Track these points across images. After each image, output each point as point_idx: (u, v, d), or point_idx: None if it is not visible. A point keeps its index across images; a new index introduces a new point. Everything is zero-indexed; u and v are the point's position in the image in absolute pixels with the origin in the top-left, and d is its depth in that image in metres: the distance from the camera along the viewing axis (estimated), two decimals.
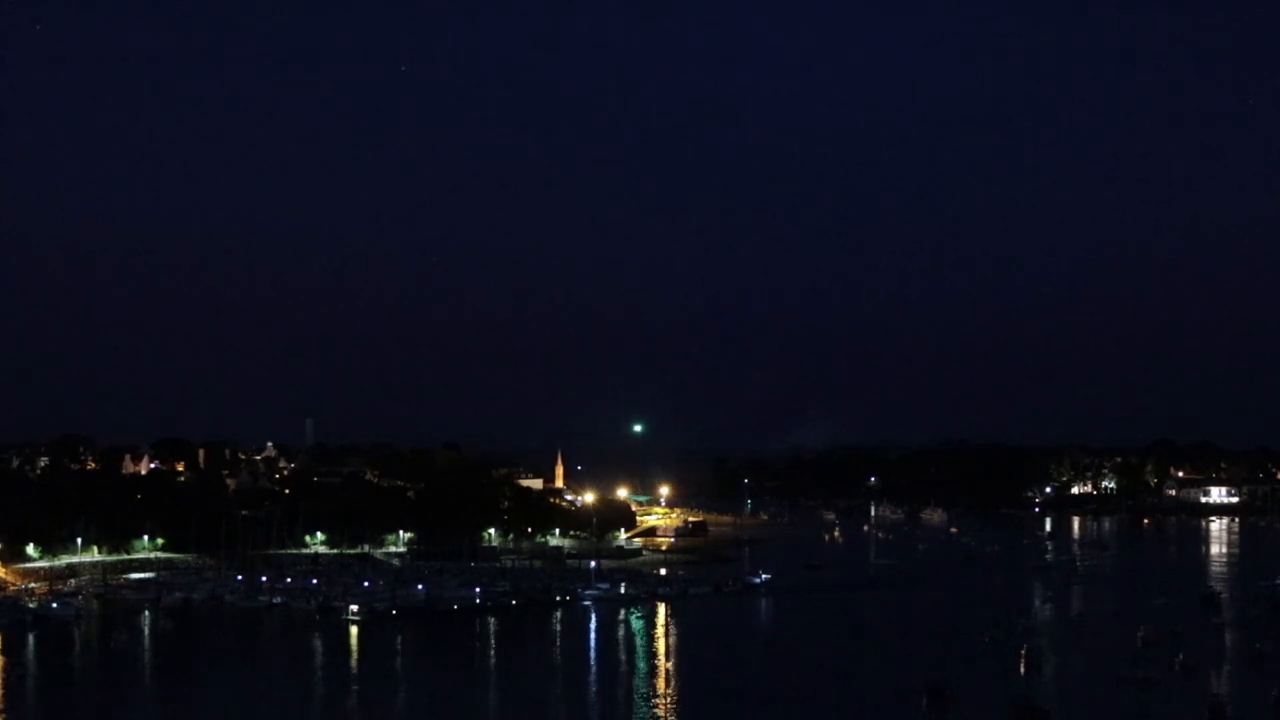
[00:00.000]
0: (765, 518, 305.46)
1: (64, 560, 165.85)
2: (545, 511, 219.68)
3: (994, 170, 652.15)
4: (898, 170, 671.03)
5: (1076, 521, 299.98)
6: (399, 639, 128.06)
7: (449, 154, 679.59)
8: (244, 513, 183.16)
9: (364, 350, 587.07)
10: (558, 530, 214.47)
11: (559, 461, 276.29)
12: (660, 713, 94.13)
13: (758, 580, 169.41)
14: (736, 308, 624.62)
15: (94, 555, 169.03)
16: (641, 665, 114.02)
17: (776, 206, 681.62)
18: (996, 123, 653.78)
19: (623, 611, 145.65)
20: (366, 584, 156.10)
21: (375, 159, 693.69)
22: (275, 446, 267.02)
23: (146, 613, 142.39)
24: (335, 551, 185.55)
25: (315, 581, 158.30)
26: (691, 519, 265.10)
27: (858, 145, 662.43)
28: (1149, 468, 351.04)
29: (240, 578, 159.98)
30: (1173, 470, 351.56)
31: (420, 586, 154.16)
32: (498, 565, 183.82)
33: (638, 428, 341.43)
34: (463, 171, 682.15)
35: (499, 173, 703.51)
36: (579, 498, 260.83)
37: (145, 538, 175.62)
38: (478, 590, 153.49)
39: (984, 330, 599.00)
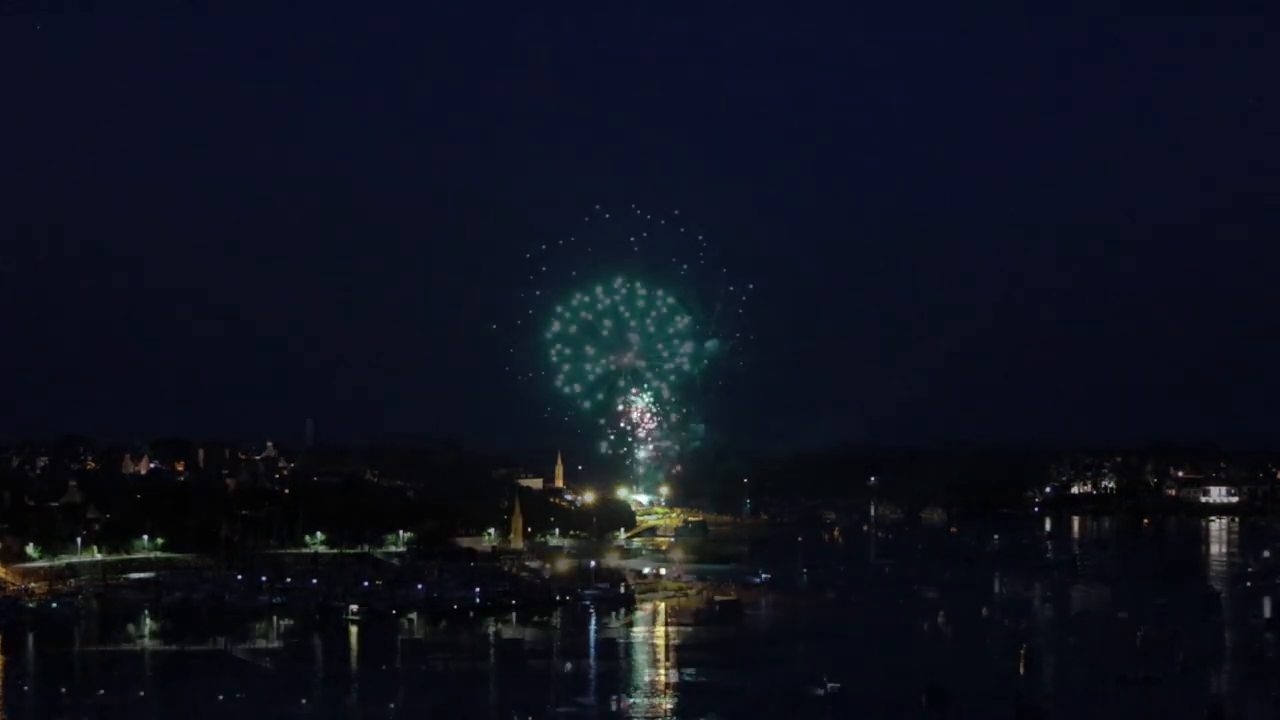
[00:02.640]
0: (765, 518, 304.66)
1: (64, 560, 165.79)
2: (546, 511, 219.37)
3: (995, 170, 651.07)
4: (895, 170, 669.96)
5: (1076, 521, 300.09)
6: (399, 639, 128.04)
7: (449, 148, 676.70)
8: (244, 513, 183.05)
9: (365, 350, 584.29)
10: (557, 530, 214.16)
11: (559, 461, 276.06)
12: (659, 713, 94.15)
13: (758, 580, 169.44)
14: (737, 307, 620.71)
15: (94, 555, 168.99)
16: (641, 665, 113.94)
17: (775, 206, 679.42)
18: (997, 126, 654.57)
19: (622, 611, 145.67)
20: (366, 584, 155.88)
21: (379, 152, 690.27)
22: (275, 446, 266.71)
23: (146, 613, 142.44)
24: (335, 551, 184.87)
25: (315, 581, 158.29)
26: (691, 519, 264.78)
27: (857, 145, 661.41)
28: (1149, 468, 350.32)
29: (240, 577, 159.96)
30: (1173, 470, 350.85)
31: (420, 586, 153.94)
32: (497, 565, 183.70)
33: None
34: (462, 165, 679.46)
35: (498, 166, 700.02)
36: (579, 498, 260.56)
37: (145, 538, 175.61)
38: (477, 590, 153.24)
39: (983, 329, 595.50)
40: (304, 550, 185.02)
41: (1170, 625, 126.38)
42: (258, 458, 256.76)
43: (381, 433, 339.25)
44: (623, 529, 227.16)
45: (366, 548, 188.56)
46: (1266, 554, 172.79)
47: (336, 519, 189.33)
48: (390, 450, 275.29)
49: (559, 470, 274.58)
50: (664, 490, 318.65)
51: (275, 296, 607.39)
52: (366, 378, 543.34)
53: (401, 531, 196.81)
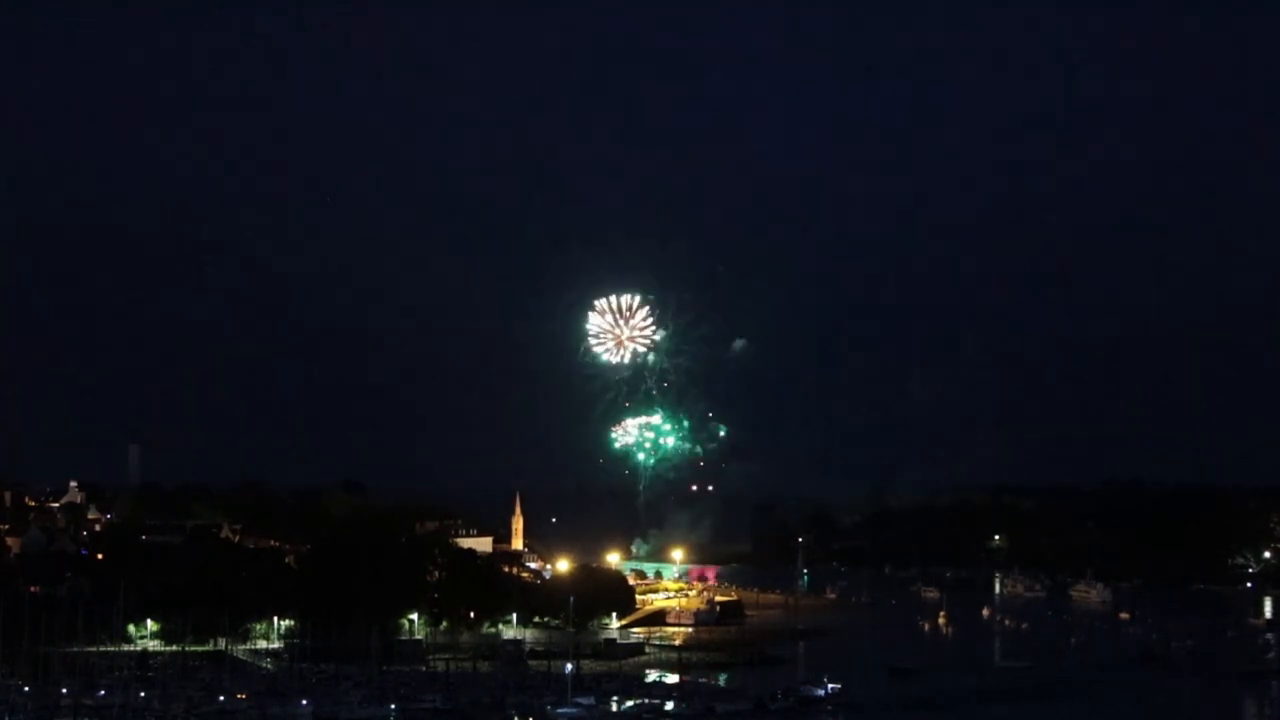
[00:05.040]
0: (832, 596, 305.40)
1: None
2: (497, 587, 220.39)
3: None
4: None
5: None
6: None
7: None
8: (32, 589, 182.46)
9: (216, 347, 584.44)
10: (515, 616, 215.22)
11: (517, 510, 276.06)
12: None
13: (821, 692, 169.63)
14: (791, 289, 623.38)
15: None
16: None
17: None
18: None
19: None
20: (222, 699, 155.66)
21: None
22: (82, 488, 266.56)
23: None
24: (174, 649, 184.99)
25: (143, 695, 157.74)
26: (720, 598, 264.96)
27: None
28: None
29: (27, 689, 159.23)
30: None
31: (305, 702, 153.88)
32: (424, 670, 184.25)
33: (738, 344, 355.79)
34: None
35: None
36: (547, 566, 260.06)
37: None
38: (393, 708, 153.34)
39: (1167, 325, 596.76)
40: (126, 648, 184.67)
41: None
42: (54, 505, 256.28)
43: (245, 469, 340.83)
44: (614, 613, 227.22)
45: (224, 644, 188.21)
46: None
47: (176, 599, 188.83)
48: (258, 495, 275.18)
49: (517, 524, 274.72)
50: (678, 554, 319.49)
51: (83, 277, 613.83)
52: (220, 388, 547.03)
53: (277, 619, 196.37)
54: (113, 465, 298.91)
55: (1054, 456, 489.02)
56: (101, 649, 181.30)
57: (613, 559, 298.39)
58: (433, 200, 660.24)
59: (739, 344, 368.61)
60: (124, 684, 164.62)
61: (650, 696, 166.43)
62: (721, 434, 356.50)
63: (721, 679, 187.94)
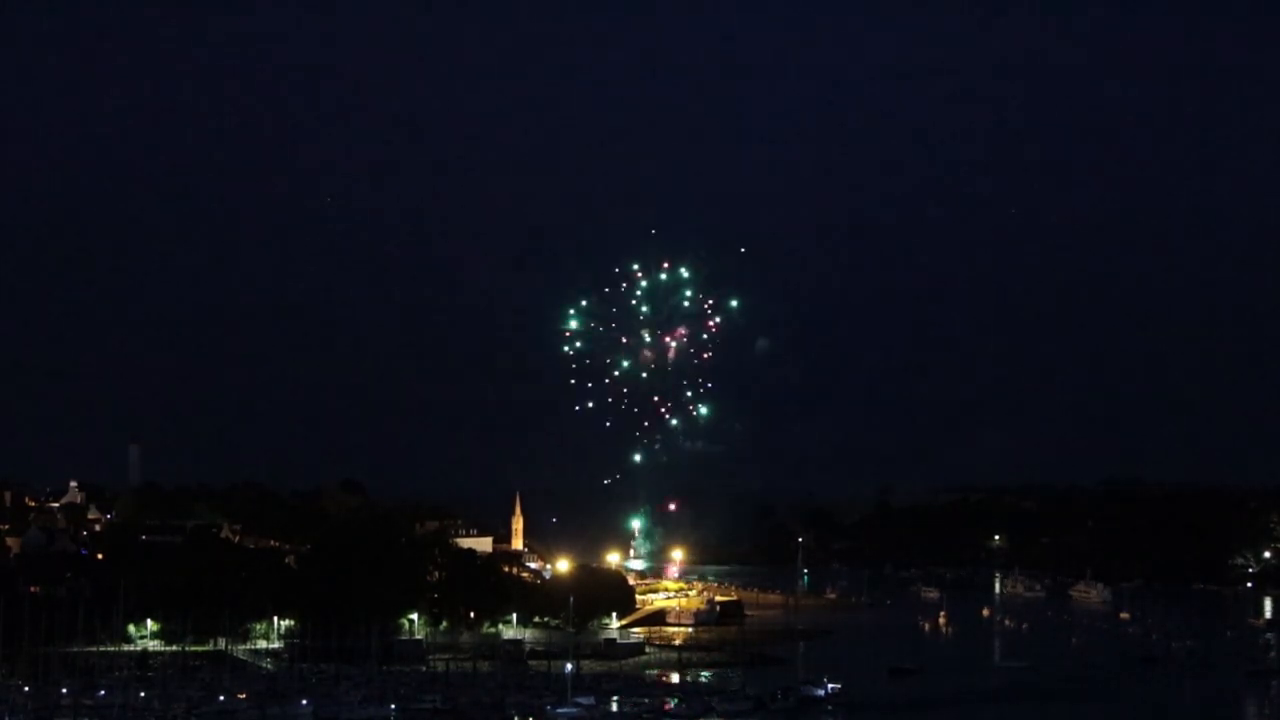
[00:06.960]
0: (832, 596, 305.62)
1: None
2: (497, 587, 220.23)
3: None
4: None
5: None
6: None
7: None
8: (32, 589, 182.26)
9: (215, 347, 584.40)
10: (515, 616, 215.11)
11: (517, 511, 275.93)
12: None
13: (821, 692, 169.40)
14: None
15: None
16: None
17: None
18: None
19: None
20: (223, 699, 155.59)
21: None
22: (82, 488, 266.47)
23: None
24: (174, 649, 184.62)
25: (143, 695, 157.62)
26: (720, 598, 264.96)
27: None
28: None
29: (27, 689, 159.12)
30: None
31: (305, 702, 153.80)
32: (424, 669, 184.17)
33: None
34: None
35: None
36: (547, 566, 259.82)
37: None
38: (393, 708, 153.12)
39: (1167, 325, 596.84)
40: (126, 648, 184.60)
41: None
42: (54, 505, 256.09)
43: (245, 469, 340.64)
44: (615, 614, 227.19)
45: (224, 643, 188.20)
46: None
47: (176, 599, 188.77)
48: (258, 495, 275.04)
49: (517, 524, 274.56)
50: (677, 554, 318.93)
51: (83, 276, 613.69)
52: (220, 388, 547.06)
53: (277, 618, 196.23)
54: (113, 465, 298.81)
55: (1054, 456, 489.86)
56: (101, 649, 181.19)
57: (612, 559, 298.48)
58: (434, 201, 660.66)
59: (762, 343, 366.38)
60: (124, 684, 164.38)
61: (650, 696, 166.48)
62: (737, 430, 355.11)
63: (705, 675, 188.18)
